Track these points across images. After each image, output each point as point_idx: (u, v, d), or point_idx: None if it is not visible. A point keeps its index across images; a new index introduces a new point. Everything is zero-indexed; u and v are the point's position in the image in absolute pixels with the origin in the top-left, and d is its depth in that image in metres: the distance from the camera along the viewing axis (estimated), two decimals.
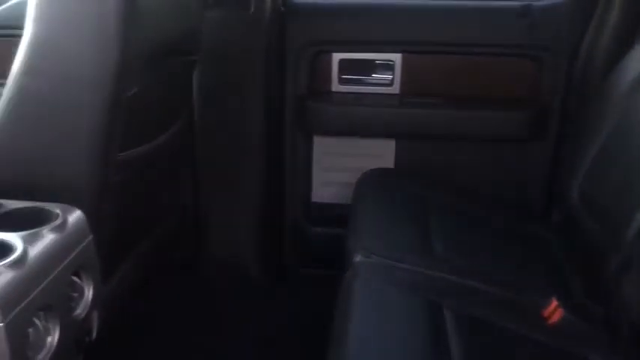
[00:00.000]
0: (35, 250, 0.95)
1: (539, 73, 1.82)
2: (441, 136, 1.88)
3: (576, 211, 1.42)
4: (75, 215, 1.08)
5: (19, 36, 1.13)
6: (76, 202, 1.11)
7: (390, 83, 1.88)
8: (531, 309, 1.18)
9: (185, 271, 1.90)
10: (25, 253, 0.93)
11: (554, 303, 1.19)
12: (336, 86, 1.91)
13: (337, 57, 1.89)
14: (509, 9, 1.81)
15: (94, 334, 1.15)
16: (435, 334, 1.05)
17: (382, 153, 1.92)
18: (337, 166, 1.95)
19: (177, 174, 1.79)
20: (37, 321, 0.94)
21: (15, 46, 1.13)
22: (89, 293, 1.10)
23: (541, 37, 1.78)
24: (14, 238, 0.95)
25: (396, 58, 1.86)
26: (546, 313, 1.17)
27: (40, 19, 1.10)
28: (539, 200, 1.86)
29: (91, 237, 1.11)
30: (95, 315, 1.13)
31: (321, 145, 1.94)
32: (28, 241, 0.96)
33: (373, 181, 1.72)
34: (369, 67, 1.90)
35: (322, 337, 1.35)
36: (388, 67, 1.88)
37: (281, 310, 1.83)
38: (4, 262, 0.89)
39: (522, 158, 1.86)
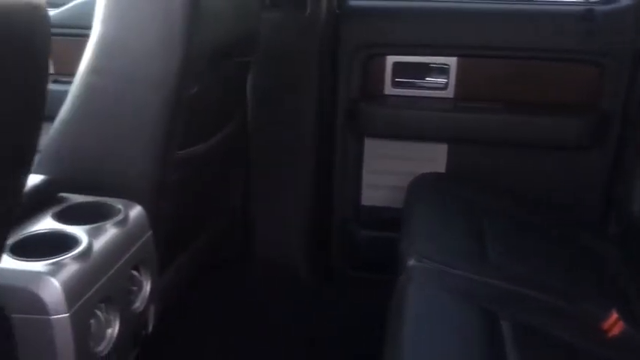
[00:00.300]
0: (99, 244, 0.98)
1: (599, 79, 1.77)
2: (495, 141, 1.85)
3: (637, 220, 1.37)
4: (136, 211, 1.11)
5: (84, 35, 1.17)
6: (136, 199, 1.14)
7: (445, 87, 1.87)
8: (591, 321, 1.15)
9: (233, 270, 1.92)
10: (89, 246, 0.95)
11: (615, 315, 1.15)
12: (389, 89, 1.90)
13: (391, 60, 1.88)
14: (571, 13, 1.77)
15: (150, 328, 1.17)
16: (492, 344, 1.03)
17: (434, 157, 1.90)
18: (388, 169, 1.94)
19: (230, 173, 1.81)
20: (98, 313, 0.97)
21: (80, 45, 1.17)
22: (147, 287, 1.12)
23: (603, 42, 1.73)
24: (79, 232, 0.98)
25: (451, 61, 1.85)
26: (606, 325, 1.14)
27: (107, 20, 1.13)
28: (597, 208, 1.81)
29: (150, 233, 1.13)
30: (152, 309, 1.15)
31: (372, 147, 1.94)
32: (93, 235, 0.99)
33: (425, 185, 1.71)
34: (423, 70, 1.88)
35: (370, 339, 1.35)
36: (443, 70, 1.86)
37: (328, 312, 1.83)
38: (70, 255, 0.92)
39: (579, 165, 1.81)
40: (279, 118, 1.86)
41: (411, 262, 1.25)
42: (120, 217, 1.06)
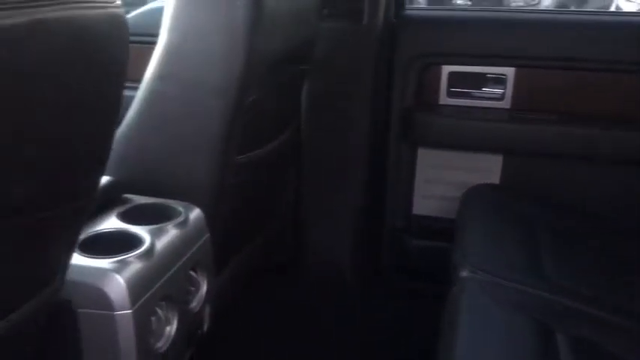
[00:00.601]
0: (161, 244, 1.02)
1: None
2: (552, 153, 1.82)
3: None
4: (195, 213, 1.15)
5: (150, 43, 1.21)
6: (195, 201, 1.17)
7: (501, 97, 1.85)
8: None
9: (285, 274, 1.94)
10: (152, 245, 0.99)
11: None
12: (444, 99, 1.89)
13: (447, 69, 1.87)
14: (632, 24, 1.73)
15: (205, 328, 1.20)
16: (547, 357, 1.01)
17: (488, 168, 1.88)
18: (441, 179, 1.93)
19: (284, 179, 1.84)
20: (159, 311, 1.00)
21: (145, 52, 1.21)
22: (203, 288, 1.15)
23: None
24: (142, 232, 1.02)
25: (509, 72, 1.83)
26: None
27: (173, 28, 1.17)
28: None
29: (208, 235, 1.17)
30: (207, 309, 1.18)
31: (426, 157, 1.93)
32: (155, 235, 1.02)
33: (480, 196, 1.69)
34: (480, 80, 1.87)
35: (417, 348, 1.34)
36: (500, 81, 1.84)
37: (377, 318, 1.84)
38: (134, 253, 0.96)
39: (639, 179, 1.76)
40: (333, 126, 1.87)
41: (464, 274, 1.24)
42: (180, 218, 1.10)
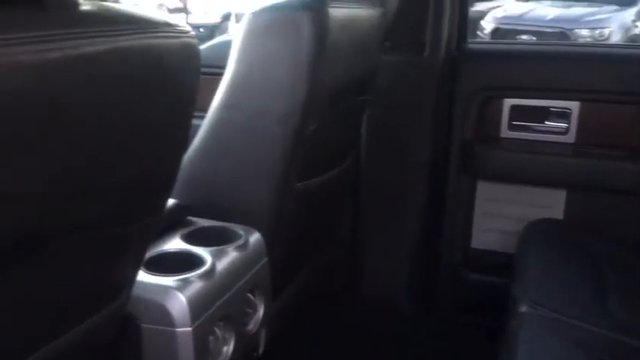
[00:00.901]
0: (221, 265, 1.05)
1: None
2: (618, 189, 1.77)
3: None
4: (255, 237, 1.18)
5: (217, 74, 1.27)
6: (255, 225, 1.21)
7: (565, 132, 1.82)
8: None
9: (341, 300, 1.95)
10: (213, 266, 1.03)
11: None
12: (505, 132, 1.88)
13: (509, 103, 1.86)
14: None
15: (261, 351, 1.22)
16: None
17: (550, 203, 1.84)
18: (501, 214, 1.91)
19: (342, 207, 1.86)
20: (217, 330, 1.03)
21: (211, 82, 1.27)
22: (260, 311, 1.18)
23: None
24: (204, 253, 1.06)
25: (573, 106, 1.80)
26: None
27: (240, 60, 1.22)
28: None
29: (266, 259, 1.19)
30: (263, 332, 1.20)
31: (486, 190, 1.91)
32: (216, 256, 1.06)
33: (541, 230, 1.66)
34: (542, 114, 1.85)
35: None
36: (563, 115, 1.82)
37: (430, 348, 1.81)
38: (196, 273, 0.99)
39: None
40: (393, 156, 1.89)
41: (524, 309, 1.22)
42: (240, 241, 1.13)
